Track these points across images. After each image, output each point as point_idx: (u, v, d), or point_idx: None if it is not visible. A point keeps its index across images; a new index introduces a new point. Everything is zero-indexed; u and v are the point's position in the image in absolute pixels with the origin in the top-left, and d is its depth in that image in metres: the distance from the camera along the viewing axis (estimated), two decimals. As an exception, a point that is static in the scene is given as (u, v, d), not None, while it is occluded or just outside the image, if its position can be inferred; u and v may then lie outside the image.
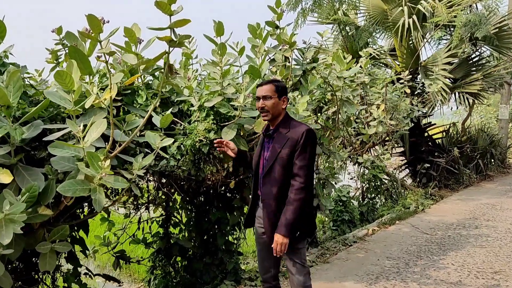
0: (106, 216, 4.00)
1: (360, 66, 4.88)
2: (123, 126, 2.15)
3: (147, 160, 2.02)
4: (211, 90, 3.00)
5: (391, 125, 6.00)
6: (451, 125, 9.87)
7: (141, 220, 4.06)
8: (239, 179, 3.63)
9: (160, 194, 3.85)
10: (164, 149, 3.23)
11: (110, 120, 2.15)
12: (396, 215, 5.89)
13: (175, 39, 1.99)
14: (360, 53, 4.92)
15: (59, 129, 2.07)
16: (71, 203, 2.08)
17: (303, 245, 2.40)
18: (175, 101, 3.42)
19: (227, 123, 2.92)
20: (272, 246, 2.23)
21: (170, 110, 3.23)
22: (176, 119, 3.29)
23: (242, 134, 3.07)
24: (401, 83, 6.32)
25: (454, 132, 9.83)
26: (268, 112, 2.34)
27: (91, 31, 1.67)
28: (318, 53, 3.76)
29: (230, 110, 2.89)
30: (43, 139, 2.09)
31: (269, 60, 3.64)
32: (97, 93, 1.93)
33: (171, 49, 2.02)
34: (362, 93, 5.32)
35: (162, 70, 2.10)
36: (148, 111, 3.35)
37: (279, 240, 2.20)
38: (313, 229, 2.45)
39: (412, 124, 6.70)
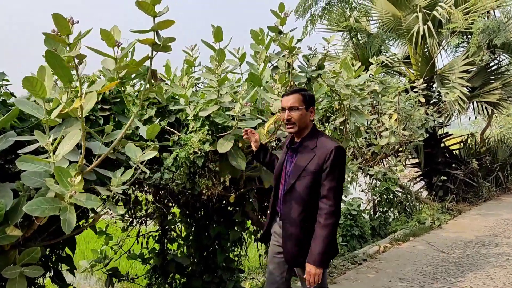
0: (103, 229, 3.85)
1: (371, 74, 4.65)
2: (101, 138, 1.96)
3: (126, 175, 1.83)
4: (207, 98, 2.82)
5: (404, 135, 5.73)
6: (469, 135, 9.49)
7: (139, 234, 3.88)
8: (240, 192, 3.42)
9: (155, 208, 3.67)
10: (154, 161, 3.06)
11: (92, 132, 1.97)
12: (410, 231, 5.57)
13: (158, 42, 1.81)
14: (371, 60, 4.69)
15: (33, 142, 1.90)
16: (44, 222, 1.90)
17: (326, 268, 2.22)
18: (172, 110, 3.26)
19: (224, 134, 2.73)
20: (305, 277, 2.07)
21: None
22: (171, 129, 3.11)
23: (240, 145, 2.87)
24: (415, 92, 6.05)
25: (473, 143, 9.44)
26: (294, 124, 2.19)
27: (58, 33, 1.49)
28: (324, 59, 3.54)
29: (227, 120, 2.69)
30: (18, 151, 1.92)
31: (272, 67, 3.45)
32: (73, 101, 1.75)
33: (154, 53, 1.84)
34: (374, 102, 5.08)
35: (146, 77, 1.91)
36: (142, 120, 3.22)
37: (312, 271, 2.03)
38: (336, 250, 2.26)
39: (427, 135, 6.40)
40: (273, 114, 2.84)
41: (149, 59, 1.84)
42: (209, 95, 2.83)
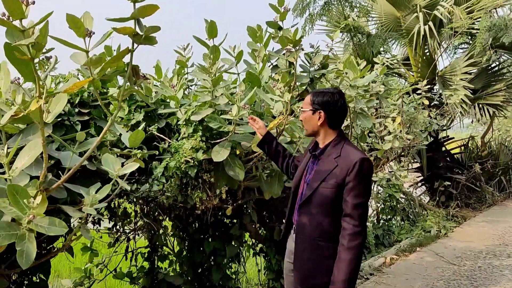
0: (87, 244, 3.52)
1: (376, 74, 4.38)
2: (72, 147, 1.64)
3: (102, 192, 1.51)
4: (200, 100, 2.51)
5: (407, 139, 5.46)
6: (470, 139, 9.26)
7: (128, 249, 3.54)
8: (237, 204, 3.11)
9: (145, 221, 3.34)
10: (143, 170, 2.74)
11: (60, 140, 1.65)
12: (417, 241, 5.27)
13: (140, 32, 1.51)
14: (375, 59, 4.41)
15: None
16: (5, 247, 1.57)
17: None
18: (162, 114, 2.95)
19: (219, 140, 2.42)
20: None
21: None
22: (160, 135, 2.80)
23: (238, 153, 2.56)
24: (418, 94, 5.79)
25: (473, 147, 9.20)
26: (304, 127, 2.06)
27: (9, 17, 1.18)
28: (327, 58, 3.25)
29: (223, 125, 2.38)
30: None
31: (271, 66, 3.15)
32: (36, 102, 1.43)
33: (136, 46, 1.54)
34: (376, 104, 4.82)
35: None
36: (129, 125, 2.90)
37: None
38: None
39: (432, 139, 6.14)
40: (274, 117, 2.53)
41: (129, 53, 1.54)
42: (203, 97, 2.52)
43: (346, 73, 3.17)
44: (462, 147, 9.01)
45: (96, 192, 1.53)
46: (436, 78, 7.49)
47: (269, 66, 3.11)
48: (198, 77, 2.73)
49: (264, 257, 3.87)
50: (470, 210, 7.54)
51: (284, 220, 2.27)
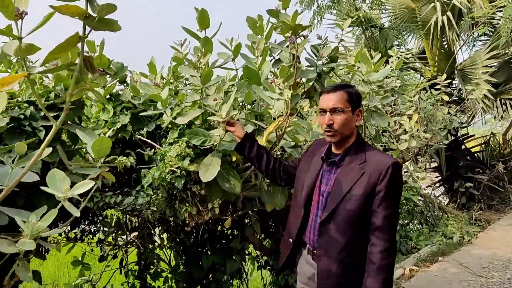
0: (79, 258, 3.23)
1: (392, 68, 3.99)
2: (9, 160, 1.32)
3: (46, 219, 1.18)
4: (188, 100, 2.18)
5: (425, 138, 5.05)
6: (491, 136, 8.73)
7: (122, 263, 3.24)
8: (237, 215, 2.78)
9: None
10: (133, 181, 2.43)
11: None
12: (438, 249, 4.85)
13: (93, 14, 1.17)
14: (390, 52, 4.02)
15: None
16: None
17: None
18: (151, 116, 2.63)
19: (209, 145, 2.08)
20: None
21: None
22: (147, 140, 2.49)
23: (234, 160, 2.22)
24: (436, 89, 5.36)
25: (494, 144, 8.68)
26: (336, 132, 1.69)
27: None
28: (337, 50, 2.88)
29: (207, 138, 2.05)
30: None
31: (273, 61, 2.80)
32: None
33: (88, 30, 1.21)
34: (391, 101, 4.44)
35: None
36: (114, 129, 2.59)
37: None
38: None
39: (453, 137, 5.71)
40: (274, 119, 2.19)
41: (80, 40, 1.21)
42: (191, 96, 2.18)
43: (358, 67, 2.81)
44: (483, 145, 8.50)
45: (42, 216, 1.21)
46: (455, 72, 7.03)
47: (270, 61, 2.77)
48: (186, 73, 2.39)
49: (270, 271, 3.53)
50: (493, 212, 7.06)
51: (288, 236, 1.92)
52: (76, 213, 1.13)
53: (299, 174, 1.91)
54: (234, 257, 3.10)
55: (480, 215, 6.41)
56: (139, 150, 2.39)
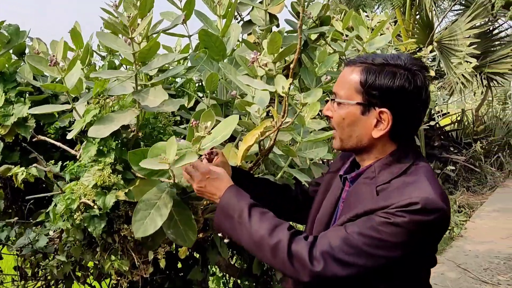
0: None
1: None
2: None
3: None
4: (113, 93, 1.26)
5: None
6: (462, 113, 8.35)
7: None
8: (198, 239, 1.93)
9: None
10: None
11: None
12: (430, 248, 4.27)
13: None
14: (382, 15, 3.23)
15: None
16: None
17: None
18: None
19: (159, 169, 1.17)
20: None
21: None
22: (57, 143, 1.55)
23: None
24: (421, 64, 4.70)
25: (467, 122, 8.33)
26: (335, 132, 1.01)
27: None
28: (328, 8, 2.01)
29: (159, 162, 1.14)
30: None
31: (242, 23, 1.90)
32: None
33: None
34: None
35: None
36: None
37: None
38: None
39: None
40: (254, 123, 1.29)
41: None
42: (118, 87, 1.25)
43: (347, 35, 1.97)
44: (456, 124, 8.12)
45: None
46: (432, 44, 6.42)
47: (238, 22, 1.88)
48: (110, 46, 1.43)
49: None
50: (471, 195, 6.66)
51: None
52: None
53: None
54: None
55: (462, 201, 5.95)
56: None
